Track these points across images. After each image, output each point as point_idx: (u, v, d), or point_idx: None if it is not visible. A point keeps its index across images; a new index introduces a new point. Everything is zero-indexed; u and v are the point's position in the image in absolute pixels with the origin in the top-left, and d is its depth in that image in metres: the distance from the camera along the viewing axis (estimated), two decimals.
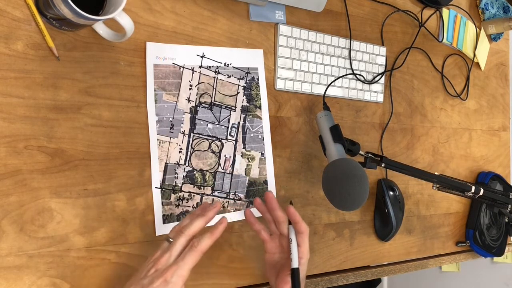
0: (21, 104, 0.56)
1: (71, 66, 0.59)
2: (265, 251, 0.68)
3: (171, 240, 0.56)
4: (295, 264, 0.62)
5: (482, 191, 0.85)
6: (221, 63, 0.72)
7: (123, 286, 0.54)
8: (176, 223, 0.66)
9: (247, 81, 0.75)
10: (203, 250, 0.54)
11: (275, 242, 0.67)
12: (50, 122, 0.58)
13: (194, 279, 0.68)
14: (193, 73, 0.69)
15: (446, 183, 0.82)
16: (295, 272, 0.62)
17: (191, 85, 0.69)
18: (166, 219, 0.66)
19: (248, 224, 0.69)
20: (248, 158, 0.74)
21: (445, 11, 1.06)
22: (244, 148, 0.74)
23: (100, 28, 0.60)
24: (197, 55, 0.70)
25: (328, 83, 0.84)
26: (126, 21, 0.55)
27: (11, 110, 0.55)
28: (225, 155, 0.72)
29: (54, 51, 0.58)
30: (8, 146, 0.55)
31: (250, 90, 0.75)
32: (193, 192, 0.69)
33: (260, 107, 0.76)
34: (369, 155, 0.75)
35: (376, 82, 0.92)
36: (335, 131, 0.72)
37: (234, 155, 0.73)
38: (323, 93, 0.82)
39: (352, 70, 0.88)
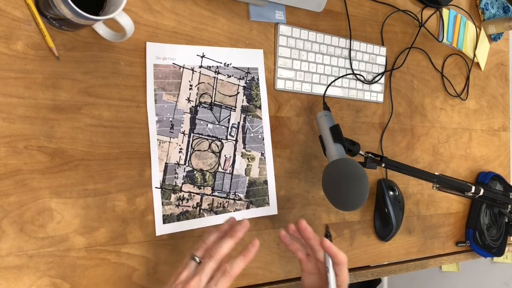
0: (21, 104, 0.56)
1: (71, 66, 0.59)
2: (302, 270, 0.66)
3: (196, 258, 0.54)
4: None
5: (482, 191, 0.85)
6: (221, 63, 0.72)
7: None
8: (177, 223, 0.66)
9: (247, 81, 0.75)
10: (236, 275, 0.53)
11: (312, 263, 0.65)
12: (50, 122, 0.58)
13: None
14: (193, 73, 0.69)
15: (446, 183, 0.82)
16: None
17: (191, 85, 0.69)
18: (166, 219, 0.66)
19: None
20: (248, 158, 0.74)
21: (445, 11, 1.06)
22: (244, 148, 0.74)
23: (100, 28, 0.60)
24: (197, 55, 0.70)
25: (328, 83, 0.84)
26: (126, 21, 0.55)
27: (11, 110, 0.55)
28: (225, 155, 0.72)
29: (54, 51, 0.58)
30: (8, 146, 0.55)
31: (250, 90, 0.75)
32: (193, 192, 0.69)
33: (260, 107, 0.76)
34: (369, 155, 0.75)
35: (376, 82, 0.91)
36: (335, 131, 0.72)
37: (234, 155, 0.73)
38: (323, 93, 0.82)
39: (352, 70, 0.88)
